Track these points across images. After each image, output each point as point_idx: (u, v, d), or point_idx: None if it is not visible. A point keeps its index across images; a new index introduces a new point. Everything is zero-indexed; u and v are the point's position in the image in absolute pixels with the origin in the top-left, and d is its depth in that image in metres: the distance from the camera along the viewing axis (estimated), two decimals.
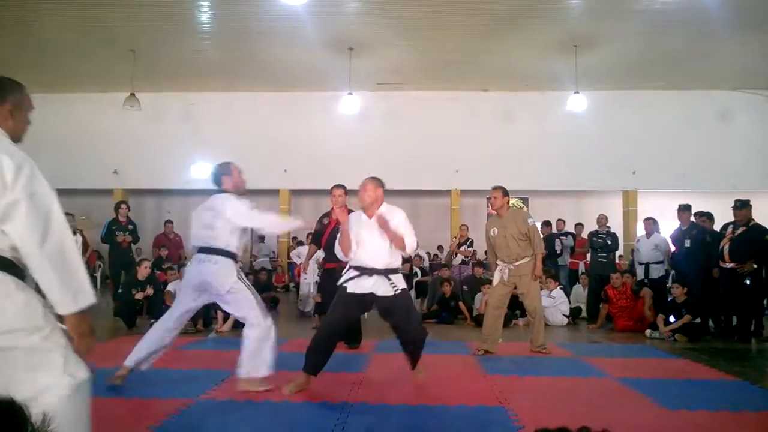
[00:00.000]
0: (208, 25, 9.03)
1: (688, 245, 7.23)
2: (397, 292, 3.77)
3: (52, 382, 1.69)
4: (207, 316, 6.86)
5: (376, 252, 3.78)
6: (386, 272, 3.78)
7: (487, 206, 15.69)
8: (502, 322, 5.54)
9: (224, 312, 6.85)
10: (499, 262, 5.51)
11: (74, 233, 8.05)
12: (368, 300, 3.82)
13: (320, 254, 8.59)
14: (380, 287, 3.76)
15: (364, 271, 3.77)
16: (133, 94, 10.41)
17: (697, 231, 7.30)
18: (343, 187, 5.27)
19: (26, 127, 1.95)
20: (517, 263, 5.38)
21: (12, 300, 1.72)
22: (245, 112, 11.94)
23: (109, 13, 8.40)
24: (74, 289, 1.75)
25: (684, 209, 7.56)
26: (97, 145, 11.93)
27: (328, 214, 5.71)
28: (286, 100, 11.79)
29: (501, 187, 5.57)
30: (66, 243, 1.76)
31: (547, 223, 9.75)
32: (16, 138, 1.89)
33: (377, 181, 3.98)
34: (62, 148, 11.45)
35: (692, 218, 7.61)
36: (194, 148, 12.00)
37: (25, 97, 1.94)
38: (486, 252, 7.25)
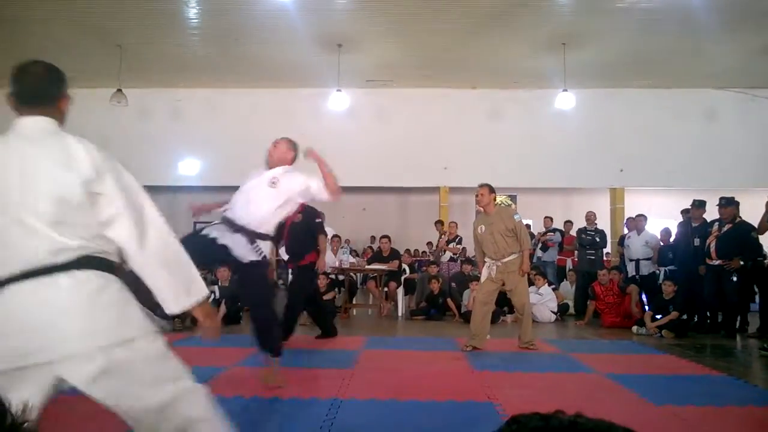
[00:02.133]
0: (196, 20, 8.95)
1: (698, 244, 7.19)
2: (252, 260, 3.46)
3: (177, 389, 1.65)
4: None
5: (256, 208, 3.55)
6: (254, 234, 3.51)
7: (476, 204, 15.75)
8: (489, 319, 5.56)
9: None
10: (486, 259, 5.54)
11: None
12: (221, 250, 3.44)
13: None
14: (239, 247, 3.47)
15: (233, 225, 3.53)
16: (120, 90, 10.31)
17: (707, 230, 7.17)
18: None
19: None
20: (504, 260, 5.41)
21: (135, 306, 1.62)
22: (233, 109, 11.86)
23: (95, 8, 8.30)
24: (186, 283, 1.67)
25: (698, 206, 7.48)
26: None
27: None
28: (274, 96, 11.72)
29: (487, 185, 5.60)
30: (168, 237, 1.68)
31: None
32: None
33: (291, 143, 3.96)
34: None
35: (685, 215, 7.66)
36: (182, 144, 11.91)
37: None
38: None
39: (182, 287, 1.66)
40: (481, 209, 5.67)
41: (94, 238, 1.59)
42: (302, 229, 5.75)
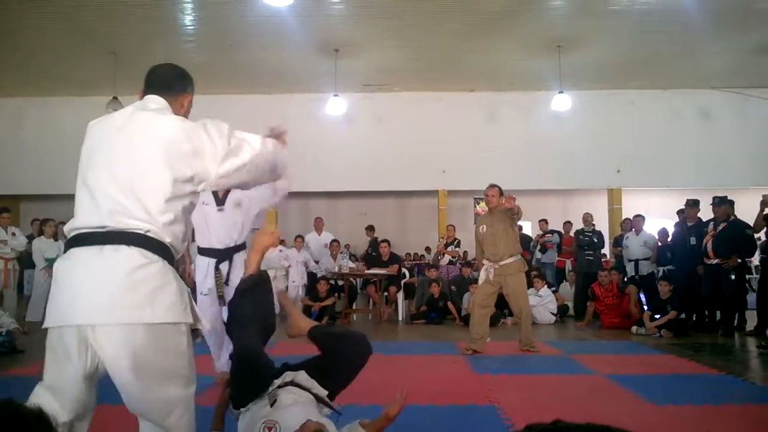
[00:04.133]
0: (191, 27, 8.97)
1: (694, 242, 7.19)
2: None
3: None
4: None
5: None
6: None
7: (474, 206, 15.79)
8: (488, 322, 5.57)
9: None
10: (485, 261, 5.54)
11: (56, 239, 7.97)
12: None
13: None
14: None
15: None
16: (115, 98, 10.30)
17: (703, 229, 7.17)
18: None
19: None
20: (502, 262, 5.41)
21: (172, 292, 1.73)
22: (229, 115, 11.63)
23: (89, 15, 8.31)
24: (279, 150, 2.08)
25: (693, 205, 7.50)
26: (79, 150, 11.76)
27: None
28: (271, 102, 11.73)
29: (497, 186, 5.64)
30: (267, 141, 2.08)
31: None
32: None
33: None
34: (45, 154, 11.30)
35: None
36: None
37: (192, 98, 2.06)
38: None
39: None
40: (486, 210, 5.71)
41: (158, 215, 1.69)
42: None
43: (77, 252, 1.68)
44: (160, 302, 1.66)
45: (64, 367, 1.66)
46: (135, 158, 1.70)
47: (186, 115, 1.96)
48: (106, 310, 1.61)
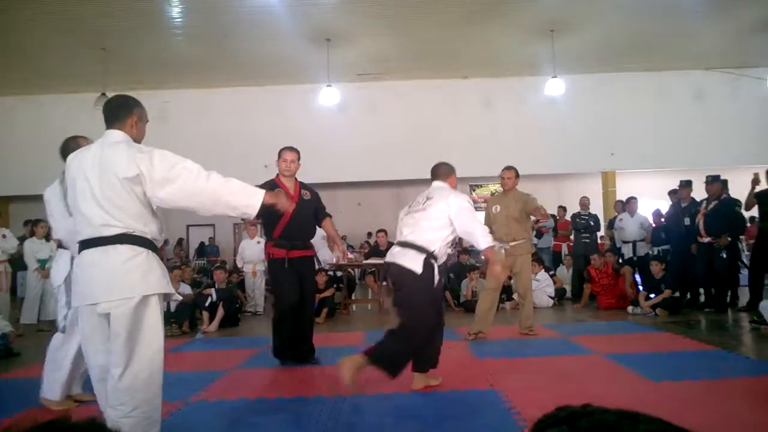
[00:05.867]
0: (180, 19, 8.90)
1: (688, 223, 7.24)
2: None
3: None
4: (193, 318, 6.82)
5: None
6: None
7: (470, 193, 15.79)
8: (497, 304, 5.62)
9: (209, 311, 6.84)
10: (495, 241, 5.57)
11: (48, 239, 7.85)
12: None
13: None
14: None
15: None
16: (104, 94, 10.23)
17: (696, 209, 7.22)
18: (296, 151, 4.47)
19: (144, 135, 2.57)
20: (513, 243, 5.45)
21: (157, 272, 2.37)
22: (222, 108, 11.82)
23: (78, 10, 8.24)
24: (248, 197, 2.43)
25: (685, 185, 7.55)
26: None
27: (274, 183, 4.46)
28: (263, 94, 11.69)
29: (513, 168, 5.67)
30: (216, 179, 2.40)
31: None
32: (137, 142, 2.49)
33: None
34: (36, 152, 11.19)
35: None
36: (171, 146, 11.55)
37: (144, 111, 2.57)
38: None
39: (246, 201, 2.44)
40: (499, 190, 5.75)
41: (134, 221, 2.31)
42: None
43: (87, 253, 2.35)
44: (149, 280, 2.31)
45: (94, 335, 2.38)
46: (105, 185, 2.29)
47: (139, 130, 2.53)
48: (112, 290, 2.27)
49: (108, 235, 2.28)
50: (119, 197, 2.28)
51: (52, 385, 3.36)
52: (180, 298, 2.59)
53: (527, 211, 5.52)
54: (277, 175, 4.59)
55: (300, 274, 4.39)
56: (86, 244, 2.34)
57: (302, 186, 4.58)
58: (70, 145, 3.23)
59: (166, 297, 2.47)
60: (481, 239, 3.46)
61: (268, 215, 3.96)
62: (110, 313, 2.27)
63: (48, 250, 7.36)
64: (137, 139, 2.50)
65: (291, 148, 4.53)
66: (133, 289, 2.27)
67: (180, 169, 2.31)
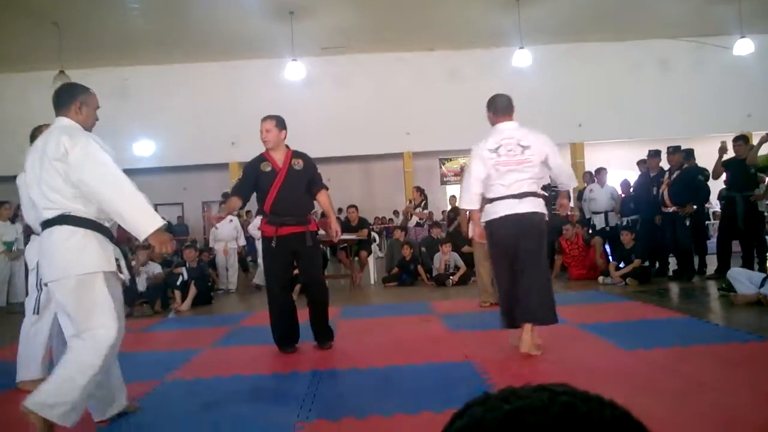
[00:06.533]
0: None
1: (656, 192, 7.33)
2: None
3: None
4: (165, 297, 6.70)
5: None
6: None
7: (440, 167, 15.76)
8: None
9: (181, 290, 6.72)
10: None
11: (13, 222, 7.63)
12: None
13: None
14: None
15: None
16: (62, 71, 9.80)
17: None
18: (273, 118, 4.14)
19: (94, 120, 2.66)
20: None
21: (94, 250, 2.44)
22: (185, 85, 11.46)
23: None
24: (145, 216, 2.42)
25: (653, 155, 7.62)
26: (28, 129, 11.21)
27: (262, 157, 4.20)
28: (226, 69, 11.37)
29: None
30: (125, 184, 2.42)
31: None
32: (86, 128, 2.59)
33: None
34: None
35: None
36: (134, 125, 11.47)
37: (90, 96, 2.63)
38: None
39: (143, 219, 2.44)
40: None
41: (70, 202, 2.41)
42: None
43: (42, 235, 2.52)
44: (84, 259, 2.40)
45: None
46: (44, 169, 2.42)
47: (86, 115, 2.60)
48: (52, 270, 2.43)
49: (49, 217, 2.44)
50: (54, 180, 2.40)
51: (29, 365, 3.33)
52: (126, 278, 2.60)
53: None
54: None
55: (295, 252, 4.07)
56: (42, 227, 2.52)
57: (294, 155, 4.20)
58: (36, 135, 3.29)
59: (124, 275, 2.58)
60: (573, 180, 4.02)
61: (257, 190, 4.04)
62: (55, 292, 2.45)
63: (14, 233, 7.33)
64: (86, 125, 2.59)
65: (267, 117, 4.19)
66: (66, 269, 2.38)
67: (92, 164, 2.37)
